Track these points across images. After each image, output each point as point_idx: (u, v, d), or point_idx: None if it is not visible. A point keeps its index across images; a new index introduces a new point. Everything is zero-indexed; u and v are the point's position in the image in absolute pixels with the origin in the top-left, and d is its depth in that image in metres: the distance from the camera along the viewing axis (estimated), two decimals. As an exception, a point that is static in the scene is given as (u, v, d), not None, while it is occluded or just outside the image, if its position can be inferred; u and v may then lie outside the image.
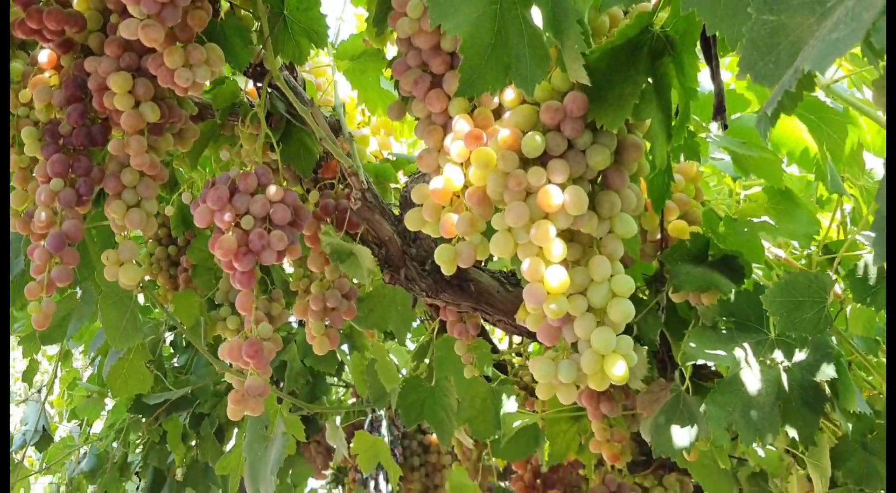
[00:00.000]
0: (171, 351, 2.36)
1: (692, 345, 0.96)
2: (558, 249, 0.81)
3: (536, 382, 1.74)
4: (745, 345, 0.97)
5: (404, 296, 1.35)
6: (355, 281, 1.21)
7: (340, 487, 2.50)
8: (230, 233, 0.93)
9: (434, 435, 2.27)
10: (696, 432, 0.96)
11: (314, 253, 1.17)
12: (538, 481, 1.62)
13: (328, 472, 2.37)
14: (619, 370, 0.82)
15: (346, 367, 2.14)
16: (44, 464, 2.25)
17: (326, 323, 1.17)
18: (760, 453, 1.35)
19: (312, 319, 1.13)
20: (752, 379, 0.95)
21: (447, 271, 0.87)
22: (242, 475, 1.27)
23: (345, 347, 2.17)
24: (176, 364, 2.30)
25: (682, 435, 0.97)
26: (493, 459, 2.04)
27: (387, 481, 2.12)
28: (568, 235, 0.88)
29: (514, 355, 1.87)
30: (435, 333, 1.45)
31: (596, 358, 0.83)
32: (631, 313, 0.83)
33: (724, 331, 0.99)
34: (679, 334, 1.15)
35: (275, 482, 1.10)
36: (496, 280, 1.15)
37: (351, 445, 1.47)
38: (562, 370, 0.85)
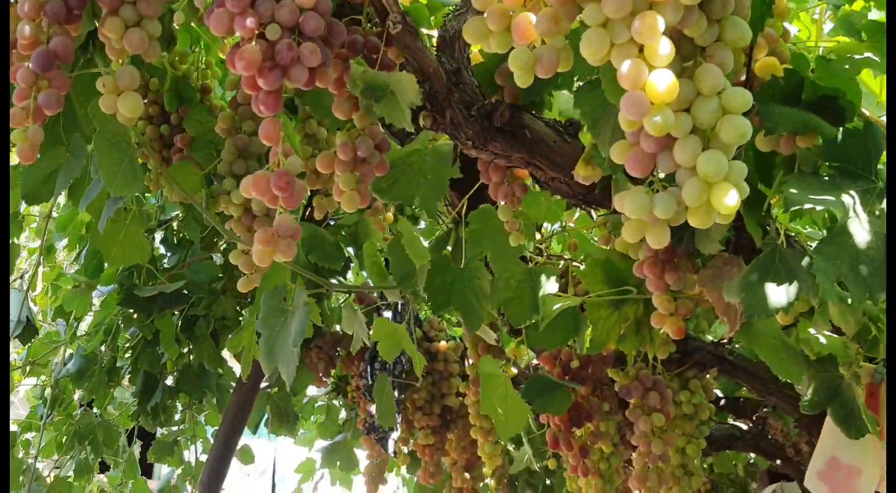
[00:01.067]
0: (162, 252, 2.21)
1: (793, 191, 0.83)
2: (666, 47, 0.66)
3: (565, 275, 1.60)
4: (852, 193, 0.84)
5: (435, 163, 1.19)
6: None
7: (341, 396, 2.38)
8: (253, 43, 0.77)
9: (442, 343, 2.15)
10: (796, 289, 0.83)
11: (339, 99, 1.01)
12: (567, 377, 1.50)
13: (329, 380, 2.25)
14: (730, 200, 0.69)
15: (351, 267, 2.00)
16: (28, 361, 2.12)
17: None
18: (822, 340, 1.23)
19: (340, 170, 0.98)
20: (860, 231, 0.82)
21: (523, 81, 0.72)
22: (256, 357, 1.14)
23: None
24: (167, 265, 2.15)
25: (778, 293, 0.83)
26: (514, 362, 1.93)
27: (394, 387, 2.00)
28: (665, 46, 0.73)
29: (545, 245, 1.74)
30: (464, 210, 1.31)
31: (702, 187, 0.70)
32: (747, 131, 0.69)
33: (825, 178, 0.86)
34: (751, 201, 1.02)
35: (297, 355, 0.97)
36: (552, 129, 1.00)
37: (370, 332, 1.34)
38: (658, 203, 0.71)
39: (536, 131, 0.98)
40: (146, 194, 1.90)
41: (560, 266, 1.67)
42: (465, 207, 1.31)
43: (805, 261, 0.83)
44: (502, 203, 1.09)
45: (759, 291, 0.84)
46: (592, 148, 0.96)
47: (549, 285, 1.24)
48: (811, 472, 1.22)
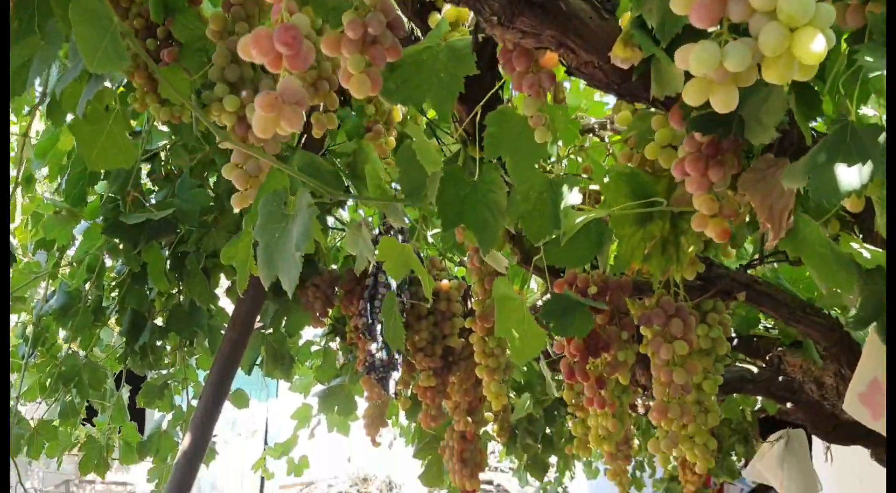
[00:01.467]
0: (150, 187, 2.09)
1: (868, 59, 0.73)
2: None
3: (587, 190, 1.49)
4: (930, 63, 0.74)
5: (448, 61, 1.08)
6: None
7: (338, 338, 2.30)
8: None
9: (444, 281, 2.05)
10: (870, 170, 0.73)
11: (348, -28, 0.90)
12: (583, 303, 1.41)
13: (326, 321, 2.15)
14: (817, 46, 0.59)
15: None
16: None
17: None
18: (865, 255, 1.14)
19: (348, 51, 0.87)
20: (942, 105, 0.72)
21: None
22: (254, 272, 1.04)
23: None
24: (154, 201, 2.04)
25: (850, 174, 0.74)
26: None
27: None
28: None
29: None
30: (477, 119, 1.20)
31: (783, 33, 0.60)
32: (837, -34, 0.59)
33: (901, 47, 0.76)
34: (803, 94, 0.92)
35: (300, 260, 0.87)
36: (588, 3, 0.89)
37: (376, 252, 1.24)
38: (731, 53, 0.61)
39: (570, 4, 0.87)
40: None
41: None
42: (478, 116, 1.21)
43: (881, 137, 0.73)
44: (527, 95, 0.98)
45: (828, 172, 0.74)
46: (633, 25, 0.86)
47: (572, 197, 1.14)
48: (851, 395, 1.14)
